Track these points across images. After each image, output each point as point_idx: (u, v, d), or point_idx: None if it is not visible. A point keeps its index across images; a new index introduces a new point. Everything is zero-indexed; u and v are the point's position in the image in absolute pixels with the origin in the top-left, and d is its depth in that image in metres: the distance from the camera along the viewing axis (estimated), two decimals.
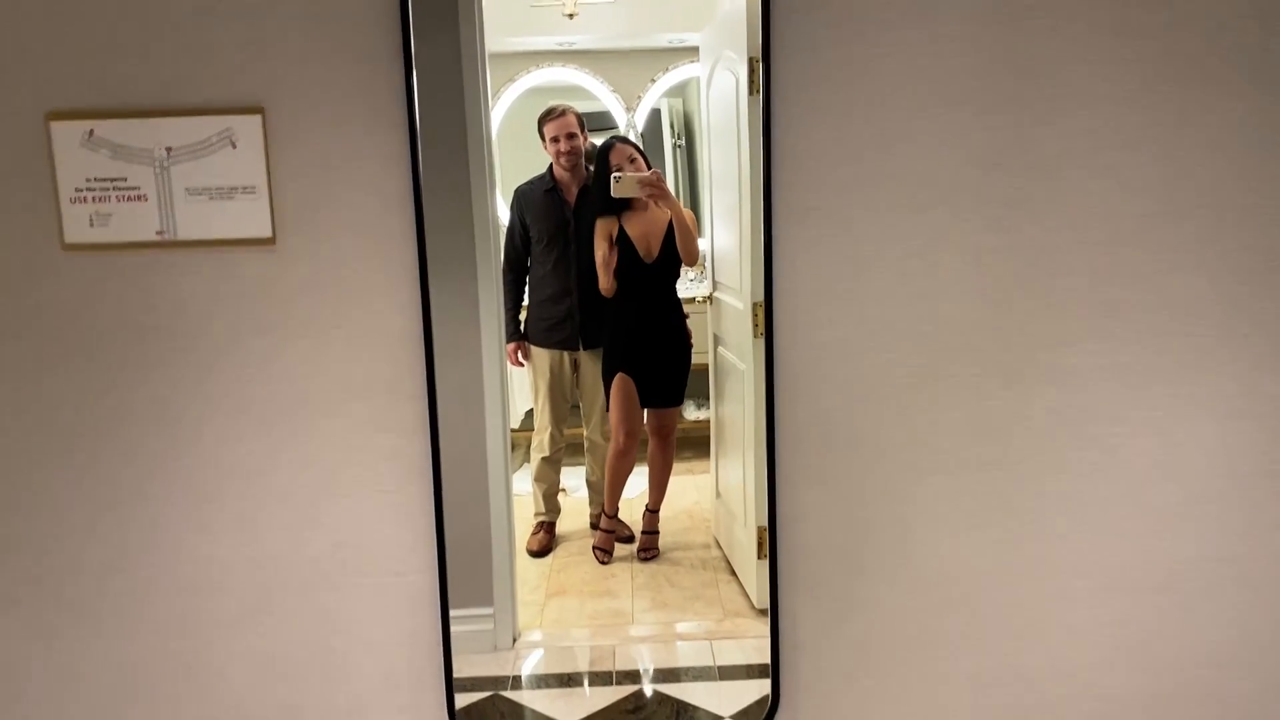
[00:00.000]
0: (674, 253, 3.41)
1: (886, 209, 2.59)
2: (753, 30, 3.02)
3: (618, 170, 3.26)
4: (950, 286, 2.62)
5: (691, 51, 5.22)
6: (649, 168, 3.36)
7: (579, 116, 3.89)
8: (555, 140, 3.80)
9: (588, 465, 4.16)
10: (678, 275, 3.50)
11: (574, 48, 5.29)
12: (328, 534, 2.61)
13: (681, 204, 3.08)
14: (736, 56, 3.10)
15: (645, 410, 3.72)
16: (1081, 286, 2.58)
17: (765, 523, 3.03)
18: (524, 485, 4.73)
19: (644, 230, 3.36)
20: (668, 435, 3.78)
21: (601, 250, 3.47)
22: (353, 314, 2.56)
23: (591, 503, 4.13)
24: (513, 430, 5.28)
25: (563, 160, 3.76)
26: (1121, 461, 2.49)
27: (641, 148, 3.45)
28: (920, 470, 2.66)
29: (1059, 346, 2.61)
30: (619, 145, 3.50)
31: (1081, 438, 2.59)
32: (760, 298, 2.96)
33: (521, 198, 3.89)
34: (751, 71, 2.98)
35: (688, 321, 3.64)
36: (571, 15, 3.85)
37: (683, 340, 3.63)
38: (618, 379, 3.63)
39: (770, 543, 2.65)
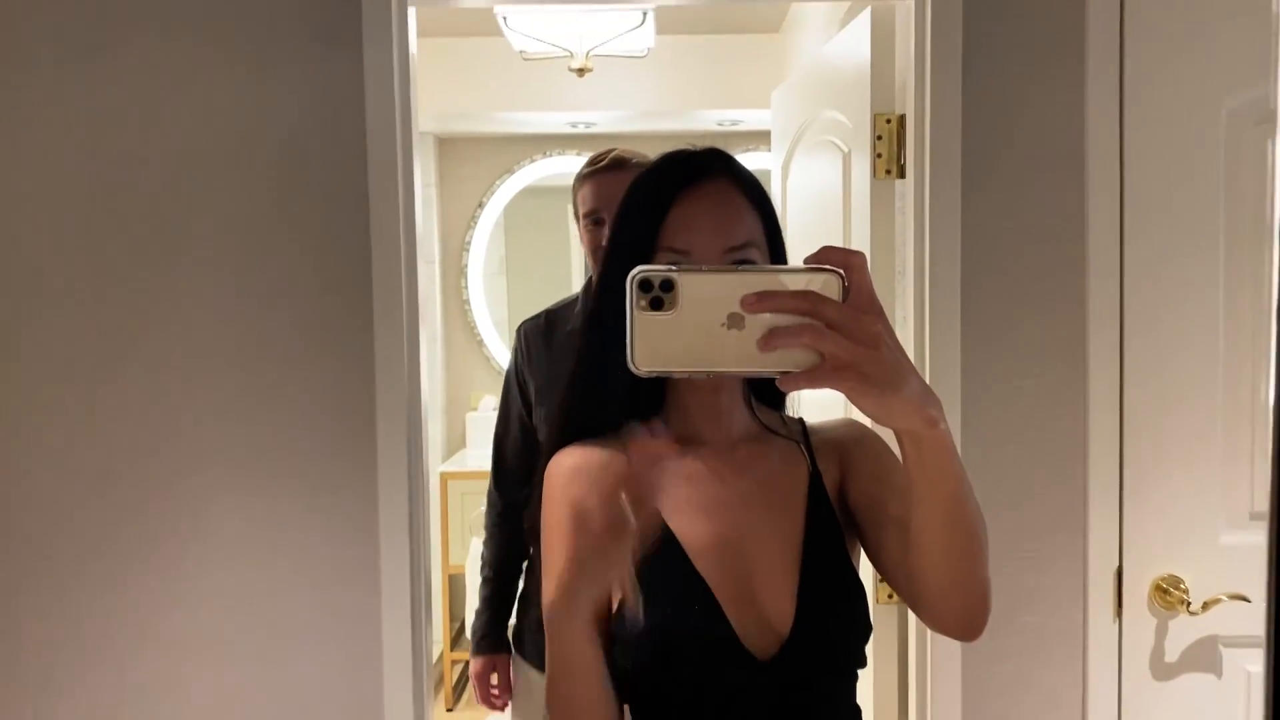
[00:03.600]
0: (851, 611, 0.96)
1: None
2: (901, 72, 1.79)
3: (674, 262, 0.89)
4: None
5: (746, 138, 4.07)
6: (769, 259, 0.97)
7: None
8: (596, 221, 1.78)
9: None
10: (855, 681, 0.99)
11: (592, 130, 4.14)
12: None
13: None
14: (848, 121, 1.88)
15: None
16: None
17: None
18: None
19: (741, 529, 0.96)
20: None
21: (555, 573, 0.90)
22: None
23: None
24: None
25: None
26: None
27: (763, 190, 0.98)
28: None
29: None
30: (705, 188, 0.94)
31: None
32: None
33: (529, 341, 1.90)
34: (880, 138, 1.75)
35: None
36: (582, 71, 2.69)
37: None
38: None
39: None
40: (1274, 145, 1.51)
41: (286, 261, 1.67)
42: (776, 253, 0.94)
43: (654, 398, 0.98)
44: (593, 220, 1.79)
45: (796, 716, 0.91)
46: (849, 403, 0.69)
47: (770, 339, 0.66)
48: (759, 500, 0.95)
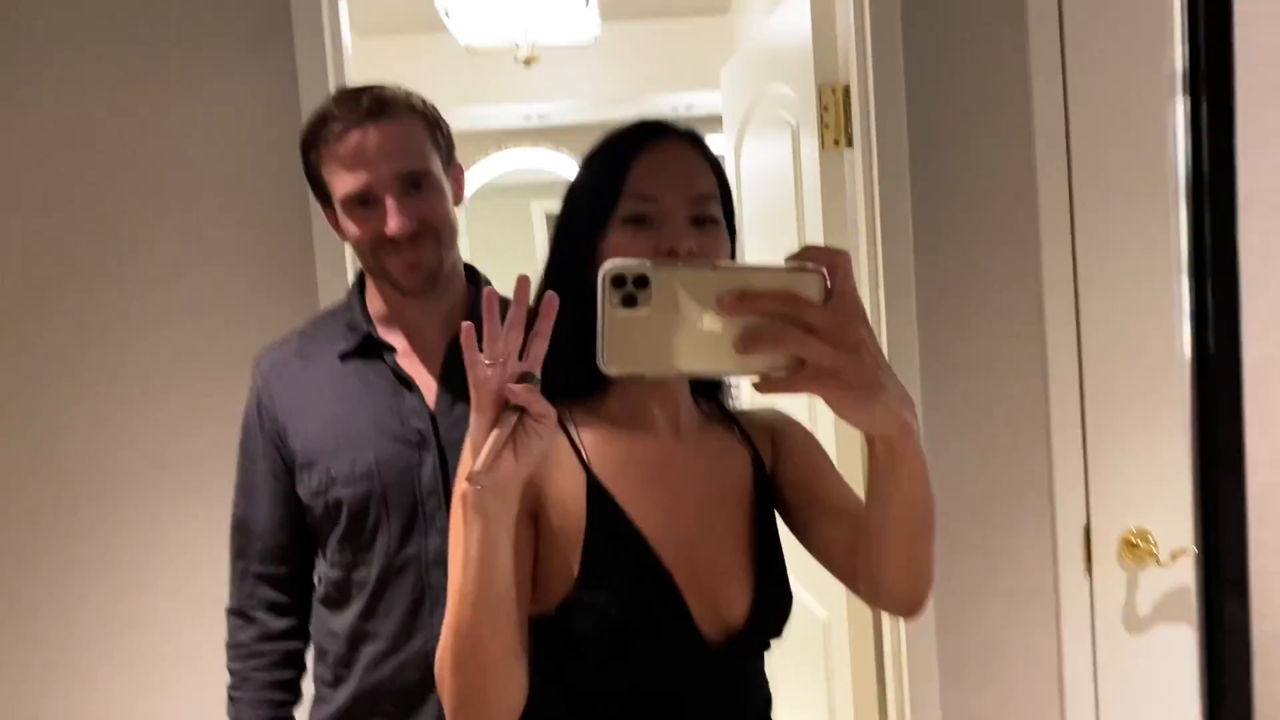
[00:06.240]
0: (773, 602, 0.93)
1: None
2: (844, 42, 1.77)
3: (641, 212, 0.87)
4: None
5: (700, 122, 4.05)
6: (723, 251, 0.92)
7: (431, 119, 1.29)
8: (364, 202, 1.18)
9: None
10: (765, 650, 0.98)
11: (546, 123, 4.11)
12: None
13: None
14: (795, 94, 1.87)
15: None
16: None
17: None
18: None
19: (696, 516, 0.92)
20: None
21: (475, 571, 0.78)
22: None
23: None
24: None
25: (393, 258, 1.19)
26: None
27: (716, 157, 0.94)
28: None
29: None
30: (668, 143, 0.91)
31: None
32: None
33: (277, 377, 1.28)
34: (827, 109, 1.74)
35: None
36: (528, 61, 2.67)
37: None
38: None
39: None
40: (1174, 106, 1.53)
41: (229, 268, 1.64)
42: (729, 221, 0.93)
43: (597, 377, 0.82)
44: (355, 200, 1.17)
45: (733, 698, 0.91)
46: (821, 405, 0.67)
47: (749, 342, 0.62)
48: (712, 487, 0.92)
